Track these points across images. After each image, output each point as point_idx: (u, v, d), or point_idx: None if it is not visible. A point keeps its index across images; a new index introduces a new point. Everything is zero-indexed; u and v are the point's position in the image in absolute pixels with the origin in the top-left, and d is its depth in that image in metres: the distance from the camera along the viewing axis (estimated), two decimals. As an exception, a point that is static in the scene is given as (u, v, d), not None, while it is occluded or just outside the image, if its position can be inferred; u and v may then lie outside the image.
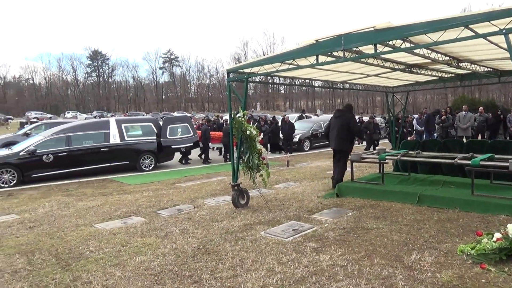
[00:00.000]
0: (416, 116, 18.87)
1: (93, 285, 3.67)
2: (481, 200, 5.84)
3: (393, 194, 6.76)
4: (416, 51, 5.69)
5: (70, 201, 7.77)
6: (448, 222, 5.31)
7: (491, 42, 5.22)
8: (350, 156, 7.87)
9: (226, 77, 6.94)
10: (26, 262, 4.35)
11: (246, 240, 4.85)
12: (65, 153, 10.73)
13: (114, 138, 11.69)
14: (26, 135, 15.32)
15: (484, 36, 4.37)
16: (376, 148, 8.36)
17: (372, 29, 4.86)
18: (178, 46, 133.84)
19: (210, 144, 14.59)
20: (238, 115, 6.44)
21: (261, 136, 6.78)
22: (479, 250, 3.97)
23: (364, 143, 17.76)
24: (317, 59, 5.69)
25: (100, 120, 14.12)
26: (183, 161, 14.09)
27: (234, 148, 6.89)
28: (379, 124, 20.01)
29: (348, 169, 7.92)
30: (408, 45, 5.13)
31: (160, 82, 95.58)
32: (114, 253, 4.54)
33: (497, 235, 4.09)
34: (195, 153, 14.77)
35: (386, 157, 7.54)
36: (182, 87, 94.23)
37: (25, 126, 21.24)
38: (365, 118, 21.32)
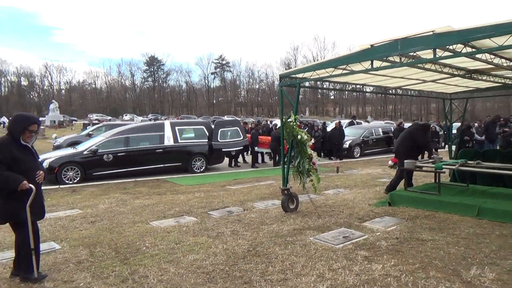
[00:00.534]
0: (475, 124, 17.81)
1: (149, 279, 3.86)
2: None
3: (450, 205, 6.44)
4: (478, 56, 5.42)
5: (127, 198, 8.20)
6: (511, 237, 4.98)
7: None
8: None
9: (278, 82, 7.01)
10: (89, 254, 4.66)
11: (295, 244, 4.86)
12: (123, 153, 11.33)
13: (169, 140, 12.16)
14: (89, 135, 16.37)
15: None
16: (432, 156, 8.01)
17: (431, 33, 4.71)
18: (230, 52, 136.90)
19: (256, 148, 14.69)
20: (289, 119, 6.48)
21: (312, 141, 6.74)
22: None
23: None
24: (371, 64, 5.60)
25: (156, 123, 14.75)
26: (233, 164, 14.35)
27: (285, 152, 6.93)
28: (439, 131, 19.02)
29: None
30: (469, 49, 4.90)
31: (212, 86, 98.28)
32: (168, 250, 4.74)
33: None
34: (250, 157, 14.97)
35: (443, 166, 7.21)
36: (232, 91, 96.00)
37: (88, 127, 22.68)
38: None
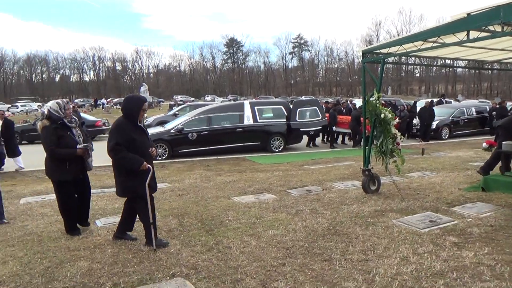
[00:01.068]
0: None
1: (232, 250, 4.06)
2: None
3: (558, 192, 5.73)
4: None
5: (210, 175, 8.63)
6: None
7: None
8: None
9: (359, 60, 6.75)
10: (178, 224, 5.03)
11: (377, 226, 4.73)
12: (206, 132, 11.89)
13: (248, 120, 12.46)
14: (175, 115, 17.42)
15: None
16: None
17: (543, -4, 4.13)
18: (308, 30, 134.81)
19: (334, 128, 14.36)
20: (372, 97, 6.21)
21: (397, 120, 6.41)
22: None
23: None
24: (467, 35, 5.09)
25: (236, 103, 15.18)
26: (311, 144, 14.26)
27: (367, 132, 6.69)
28: None
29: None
30: None
31: (289, 67, 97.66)
32: (250, 224, 4.92)
33: None
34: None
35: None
36: (310, 71, 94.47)
37: (173, 108, 24.10)
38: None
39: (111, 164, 4.23)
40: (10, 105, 51.30)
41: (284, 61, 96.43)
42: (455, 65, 8.54)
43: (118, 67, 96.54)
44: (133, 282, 3.38)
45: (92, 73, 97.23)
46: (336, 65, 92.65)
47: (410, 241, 4.18)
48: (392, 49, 6.18)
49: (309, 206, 5.73)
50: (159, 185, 7.51)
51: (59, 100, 4.67)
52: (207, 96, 65.51)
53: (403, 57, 7.14)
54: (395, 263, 3.63)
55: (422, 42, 5.78)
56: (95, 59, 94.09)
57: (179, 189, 7.16)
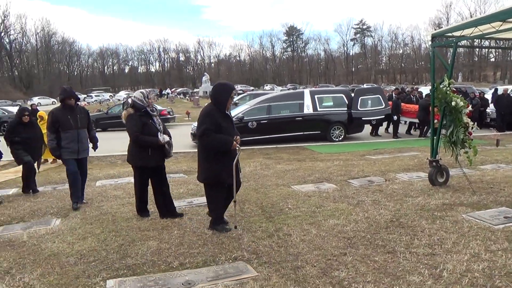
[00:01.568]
0: None
1: (292, 238, 4.10)
2: None
3: None
4: None
5: (270, 163, 8.71)
6: None
7: None
8: None
9: (427, 45, 6.39)
10: (239, 210, 5.14)
11: (445, 220, 4.49)
12: (266, 121, 11.98)
13: (308, 109, 12.34)
14: (235, 104, 17.71)
15: None
16: None
17: None
18: (371, 15, 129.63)
19: (395, 117, 13.68)
20: (442, 84, 5.85)
21: (469, 108, 5.99)
22: None
23: None
24: (556, 14, 4.59)
25: (296, 91, 15.10)
26: (374, 134, 13.80)
27: (435, 120, 6.32)
28: None
29: None
30: None
31: (351, 54, 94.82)
32: (310, 213, 4.92)
33: None
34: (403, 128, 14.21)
35: None
36: (373, 58, 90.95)
37: (234, 96, 24.53)
38: None
39: (196, 150, 4.37)
40: (86, 95, 55.60)
41: (345, 48, 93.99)
42: (539, 47, 7.71)
43: (182, 58, 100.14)
44: (197, 263, 3.55)
45: (157, 64, 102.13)
46: (400, 51, 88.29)
47: (482, 237, 3.92)
48: (466, 32, 5.76)
49: (371, 197, 5.59)
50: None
51: (143, 90, 5.04)
52: (266, 85, 65.75)
53: (476, 41, 6.61)
54: (465, 259, 3.44)
55: (501, 22, 5.32)
56: (160, 51, 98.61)
57: (240, 176, 7.30)
